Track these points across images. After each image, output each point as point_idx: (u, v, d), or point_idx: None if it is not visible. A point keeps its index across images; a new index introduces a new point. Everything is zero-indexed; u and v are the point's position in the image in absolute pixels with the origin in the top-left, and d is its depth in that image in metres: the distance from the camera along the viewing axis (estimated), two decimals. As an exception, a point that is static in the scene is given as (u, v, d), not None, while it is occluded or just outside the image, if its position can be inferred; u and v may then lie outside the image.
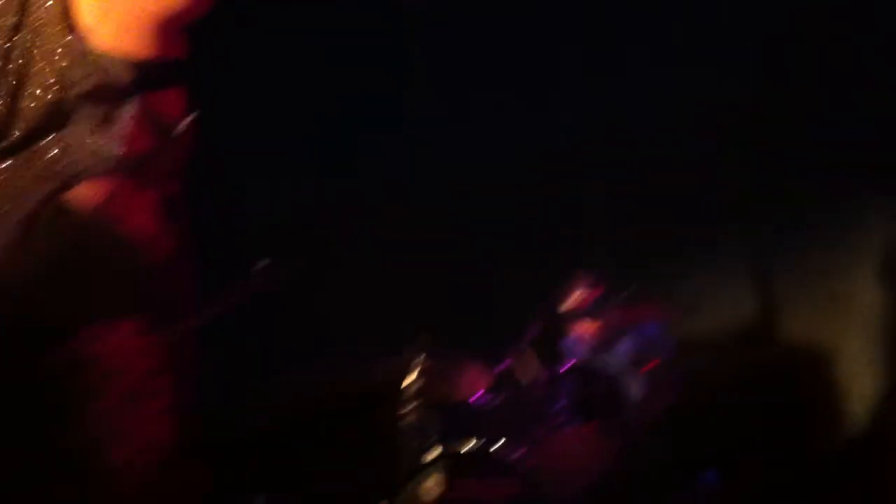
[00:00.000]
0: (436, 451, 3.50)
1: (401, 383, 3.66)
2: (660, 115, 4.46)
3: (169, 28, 1.82)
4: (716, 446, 3.81)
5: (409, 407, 3.61)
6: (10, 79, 1.79)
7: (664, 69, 4.43)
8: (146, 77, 1.80)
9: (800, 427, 4.10)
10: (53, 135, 1.81)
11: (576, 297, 3.58)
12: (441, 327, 3.78)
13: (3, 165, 1.81)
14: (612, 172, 4.44)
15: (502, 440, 3.44)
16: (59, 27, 1.78)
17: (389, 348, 3.73)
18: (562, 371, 3.46)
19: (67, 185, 1.79)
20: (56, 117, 1.80)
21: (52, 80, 1.79)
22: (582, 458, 3.36)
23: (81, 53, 1.77)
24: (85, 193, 1.80)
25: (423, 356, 3.65)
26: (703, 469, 3.68)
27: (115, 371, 1.78)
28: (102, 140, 1.78)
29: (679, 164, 4.42)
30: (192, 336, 1.93)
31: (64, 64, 1.77)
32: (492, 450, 3.40)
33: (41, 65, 1.79)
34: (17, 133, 1.80)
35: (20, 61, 1.79)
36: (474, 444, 3.47)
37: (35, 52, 1.80)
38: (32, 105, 1.80)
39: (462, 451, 3.42)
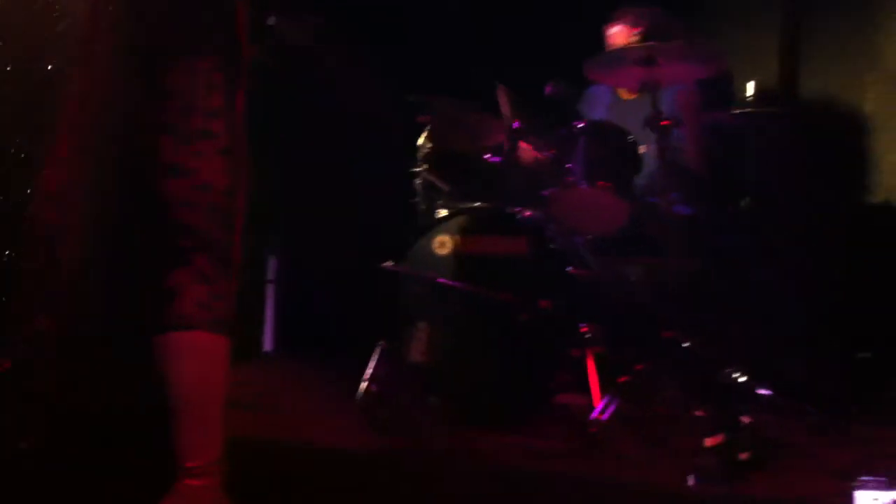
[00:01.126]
0: (449, 208, 3.59)
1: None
2: None
3: None
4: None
5: (423, 166, 3.66)
6: None
7: None
8: None
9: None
10: None
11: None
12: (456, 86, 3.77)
13: None
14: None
15: (515, 197, 3.50)
16: None
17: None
18: (574, 130, 3.43)
19: None
20: None
21: None
22: (593, 214, 3.41)
23: None
24: None
25: (435, 114, 3.66)
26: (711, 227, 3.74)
27: (187, 104, 1.87)
28: None
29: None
30: (246, 82, 1.99)
31: None
32: (504, 207, 3.47)
33: None
34: None
35: None
36: (487, 201, 3.54)
37: None
38: None
39: (474, 208, 3.49)
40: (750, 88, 3.55)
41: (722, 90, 3.96)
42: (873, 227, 4.02)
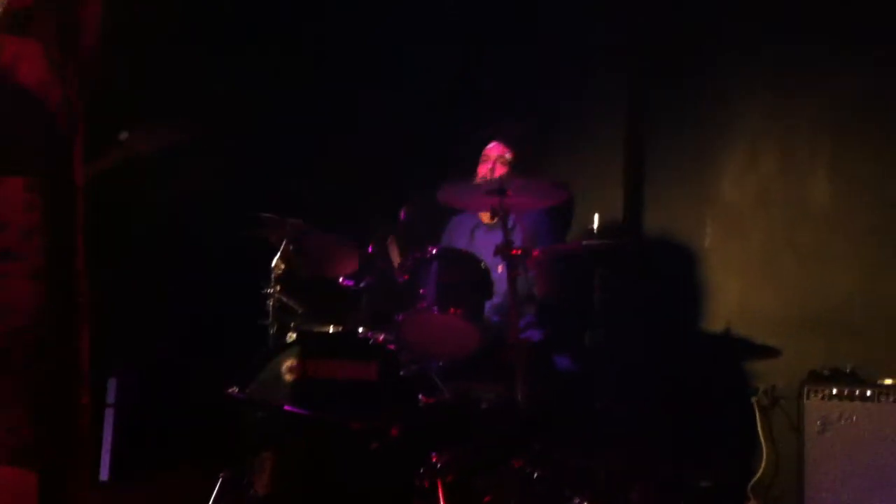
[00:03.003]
0: (300, 331, 3.52)
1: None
2: None
3: None
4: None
5: (276, 287, 3.59)
6: None
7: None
8: None
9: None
10: None
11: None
12: (313, 212, 3.77)
13: None
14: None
15: (365, 321, 3.47)
16: None
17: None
18: (428, 255, 3.46)
19: None
20: None
21: None
22: (442, 342, 3.41)
23: None
24: None
25: (293, 237, 3.63)
26: (559, 354, 3.81)
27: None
28: None
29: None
30: (77, 197, 1.89)
31: None
32: (355, 331, 3.43)
33: None
34: None
35: None
36: (339, 326, 3.50)
37: None
38: None
39: (326, 332, 3.44)
40: (595, 220, 3.69)
41: (567, 219, 4.12)
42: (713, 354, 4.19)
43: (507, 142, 4.03)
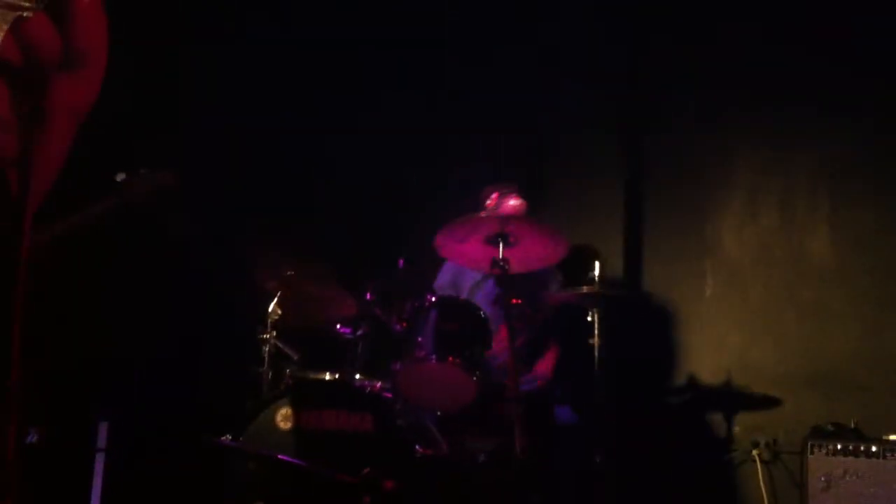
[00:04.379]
0: (295, 378, 3.46)
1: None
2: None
3: None
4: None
5: (271, 333, 3.54)
6: None
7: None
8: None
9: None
10: None
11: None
12: (309, 258, 3.74)
13: None
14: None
15: (361, 371, 3.42)
16: None
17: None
18: (426, 304, 3.42)
19: None
20: None
21: None
22: (440, 393, 3.35)
23: None
24: None
25: (286, 283, 3.58)
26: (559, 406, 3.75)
27: None
28: None
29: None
30: (23, 254, 1.83)
31: None
32: (351, 380, 3.37)
33: None
34: None
35: None
36: (333, 375, 3.44)
37: None
38: None
39: (321, 380, 3.38)
40: (597, 268, 3.66)
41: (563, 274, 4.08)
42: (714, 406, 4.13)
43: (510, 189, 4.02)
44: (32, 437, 1.80)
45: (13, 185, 1.80)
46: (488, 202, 4.03)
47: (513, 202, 3.99)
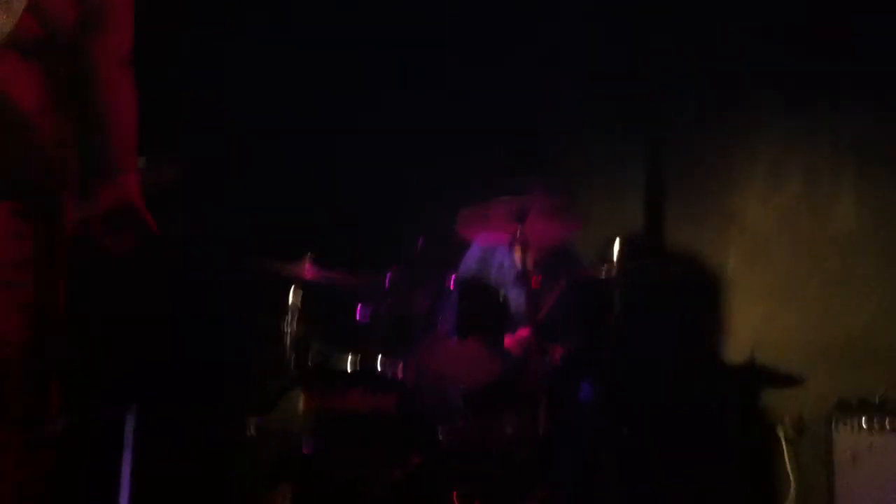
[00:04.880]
0: (317, 363, 3.48)
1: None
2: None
3: None
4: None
5: (292, 319, 3.56)
6: None
7: None
8: None
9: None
10: None
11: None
12: (324, 244, 3.76)
13: None
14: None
15: (382, 353, 3.43)
16: None
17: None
18: (448, 285, 3.42)
19: None
20: None
21: None
22: (462, 370, 3.36)
23: None
24: None
25: (305, 269, 3.60)
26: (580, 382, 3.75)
27: None
28: None
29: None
30: (62, 231, 1.86)
31: None
32: (372, 362, 3.39)
33: None
34: None
35: None
36: (355, 357, 3.46)
37: None
38: None
39: (342, 364, 3.39)
40: (616, 245, 3.64)
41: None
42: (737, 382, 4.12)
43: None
44: (57, 427, 1.82)
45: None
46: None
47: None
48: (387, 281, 3.41)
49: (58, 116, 1.86)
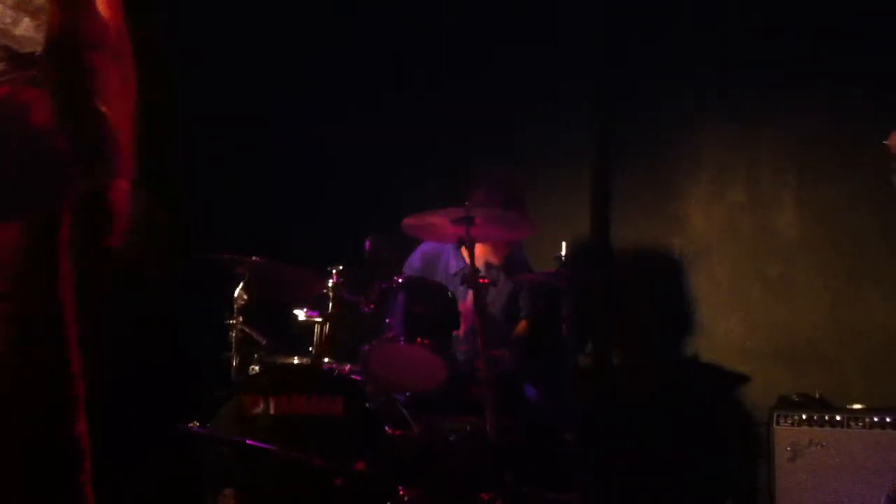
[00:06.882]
0: (263, 363, 3.43)
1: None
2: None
3: None
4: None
5: (238, 318, 3.50)
6: None
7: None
8: None
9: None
10: None
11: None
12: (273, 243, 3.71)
13: None
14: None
15: (330, 354, 3.39)
16: None
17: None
18: (394, 285, 3.40)
19: None
20: None
21: None
22: (412, 371, 3.34)
23: None
24: None
25: (253, 270, 3.55)
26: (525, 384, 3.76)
27: None
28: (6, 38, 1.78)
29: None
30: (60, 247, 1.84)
31: None
32: (320, 363, 3.35)
33: None
34: None
35: None
36: (303, 358, 3.42)
37: None
38: None
39: (290, 365, 3.36)
40: (563, 248, 3.66)
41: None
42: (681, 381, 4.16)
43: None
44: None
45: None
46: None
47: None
48: (334, 278, 3.38)
49: (63, 135, 1.86)
